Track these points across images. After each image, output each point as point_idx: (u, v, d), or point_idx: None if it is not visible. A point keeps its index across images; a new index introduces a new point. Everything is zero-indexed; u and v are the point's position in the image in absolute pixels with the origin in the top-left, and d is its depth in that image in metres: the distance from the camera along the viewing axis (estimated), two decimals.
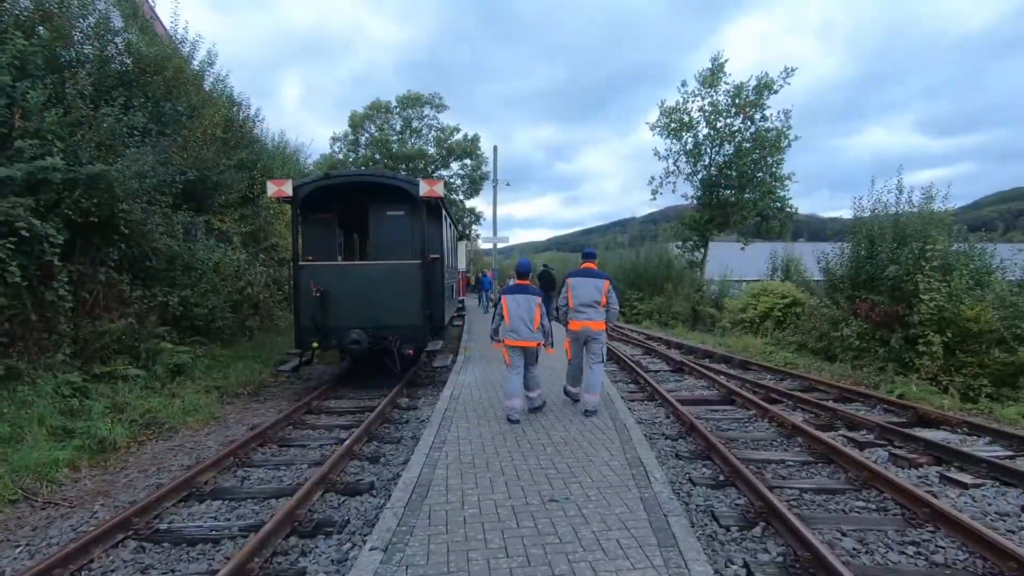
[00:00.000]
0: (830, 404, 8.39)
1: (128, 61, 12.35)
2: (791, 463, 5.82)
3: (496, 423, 6.26)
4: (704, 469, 5.64)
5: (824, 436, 6.45)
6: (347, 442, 6.09)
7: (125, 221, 8.83)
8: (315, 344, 8.82)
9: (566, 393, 7.31)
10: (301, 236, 10.38)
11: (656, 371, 11.69)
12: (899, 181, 12.41)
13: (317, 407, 8.40)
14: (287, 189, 8.66)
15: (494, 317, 6.75)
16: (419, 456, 5.10)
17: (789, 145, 22.79)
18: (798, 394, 9.02)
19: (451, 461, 4.97)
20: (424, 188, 8.75)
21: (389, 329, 8.91)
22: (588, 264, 7.04)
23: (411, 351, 8.85)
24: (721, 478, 5.30)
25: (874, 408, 8.40)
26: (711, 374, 10.73)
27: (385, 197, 9.68)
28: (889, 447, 6.47)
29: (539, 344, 6.48)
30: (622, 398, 8.47)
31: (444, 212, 10.51)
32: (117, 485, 5.52)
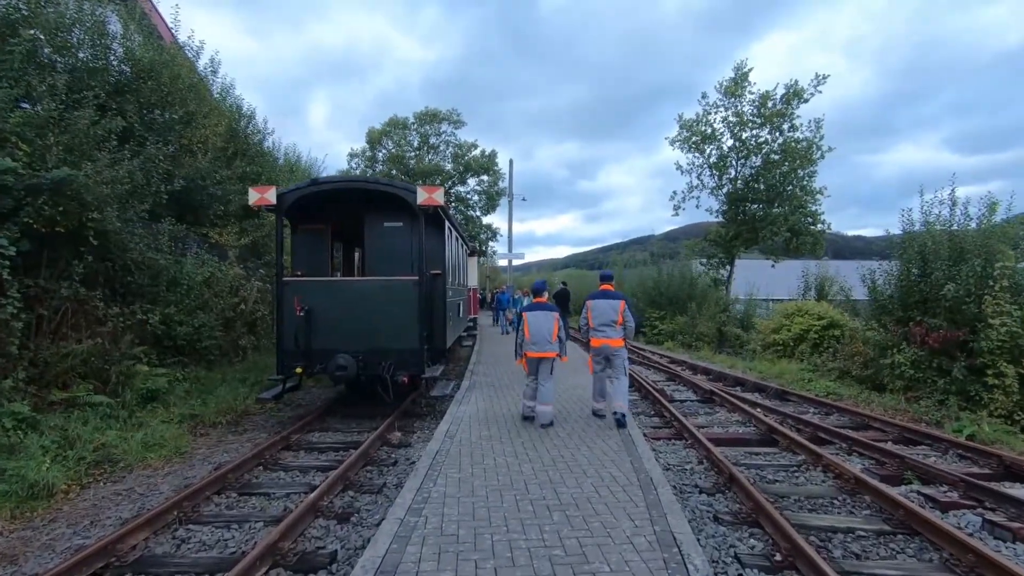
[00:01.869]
0: (891, 447, 7.14)
1: (127, 68, 11.83)
2: (863, 534, 4.62)
3: (495, 472, 5.18)
4: (753, 540, 4.47)
5: (896, 494, 5.24)
6: (314, 494, 5.07)
7: (95, 231, 8.04)
8: (298, 369, 7.88)
9: (594, 413, 7.51)
10: (291, 249, 9.58)
11: (682, 401, 10.49)
12: (952, 191, 11.16)
13: (297, 442, 7.42)
14: (270, 197, 7.81)
15: (517, 335, 7.26)
16: (391, 522, 4.05)
17: (822, 156, 21.49)
18: (850, 433, 7.77)
19: (430, 531, 3.91)
20: (422, 195, 7.82)
21: (381, 353, 7.93)
22: (606, 286, 7.45)
23: (406, 378, 7.85)
24: (777, 557, 4.13)
25: (946, 453, 7.11)
26: (745, 406, 9.51)
27: (382, 207, 8.80)
28: (980, 509, 5.23)
29: (556, 355, 7.01)
30: (645, 436, 7.34)
31: (448, 223, 9.57)
32: (33, 546, 4.56)
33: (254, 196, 7.83)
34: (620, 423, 6.93)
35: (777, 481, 5.98)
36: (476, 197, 47.94)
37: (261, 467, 6.40)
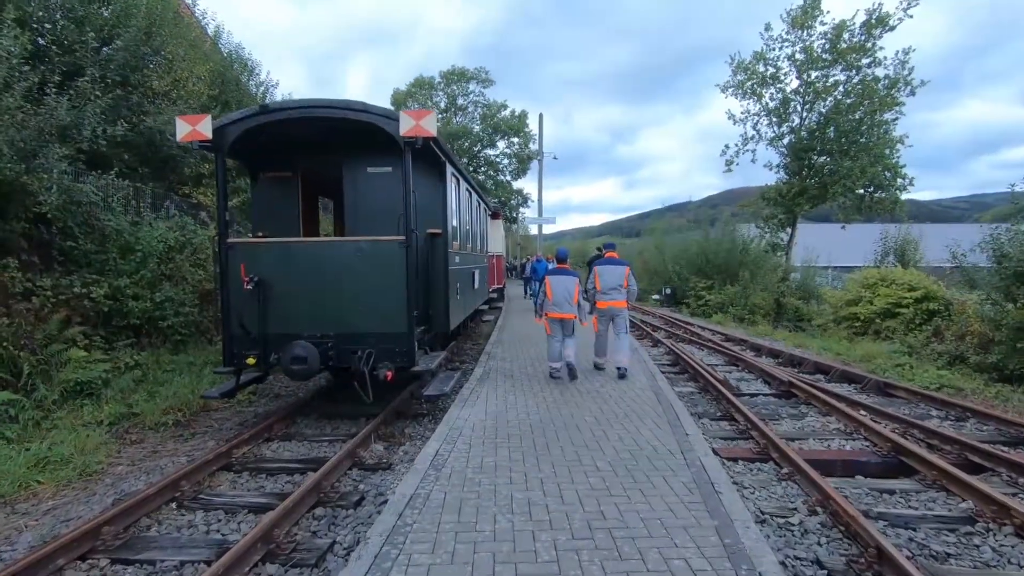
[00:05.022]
0: None
1: None
2: None
3: (489, 559, 3.13)
4: None
5: None
6: None
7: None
8: (250, 359, 5.97)
9: (595, 366, 8.10)
10: (251, 204, 7.65)
11: (753, 395, 8.23)
12: None
13: (244, 457, 5.55)
14: (204, 130, 5.79)
15: (538, 296, 7.82)
16: None
17: (912, 93, 18.01)
18: (1010, 454, 5.40)
19: None
20: (407, 123, 5.65)
21: (356, 339, 5.96)
22: (611, 254, 8.16)
23: (389, 373, 5.85)
24: None
25: None
26: (841, 404, 7.21)
27: (364, 147, 6.72)
28: None
29: (575, 316, 7.37)
30: (716, 454, 5.17)
31: (450, 167, 7.39)
32: None
33: (183, 128, 5.81)
34: (622, 376, 7.65)
35: (951, 556, 3.74)
36: (506, 161, 45.48)
37: (174, 504, 4.53)
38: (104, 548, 3.78)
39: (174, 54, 11.83)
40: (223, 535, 4.05)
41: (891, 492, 4.79)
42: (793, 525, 4.10)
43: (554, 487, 4.00)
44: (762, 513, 4.28)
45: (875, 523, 4.02)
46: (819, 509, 4.31)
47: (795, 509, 4.35)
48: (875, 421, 6.64)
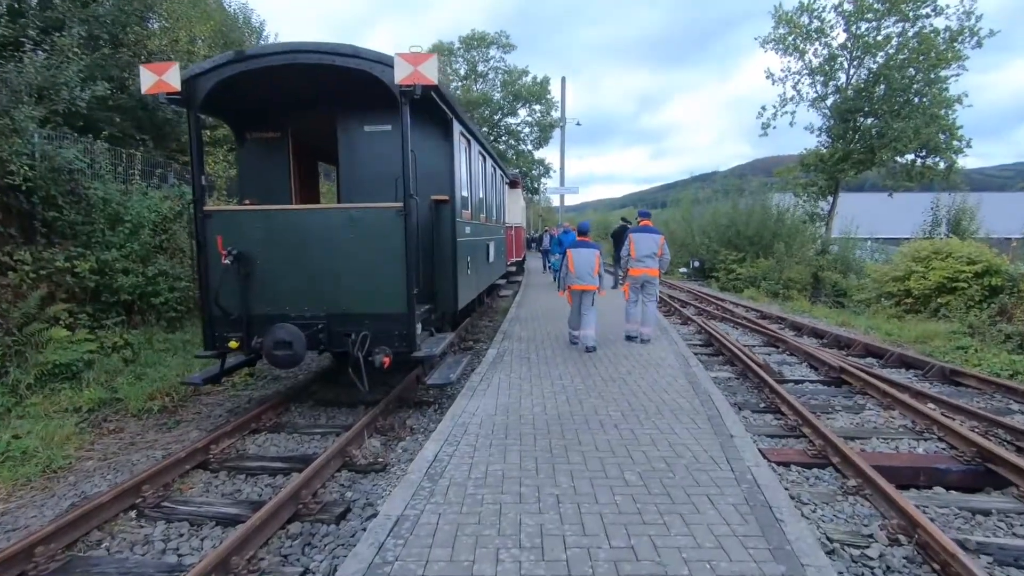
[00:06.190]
0: None
1: None
2: None
3: None
4: None
5: None
6: None
7: None
8: (232, 343, 5.33)
9: (627, 337, 8.04)
10: (238, 168, 6.94)
11: (799, 382, 7.34)
12: None
13: (223, 454, 4.94)
14: (171, 80, 5.02)
15: (561, 269, 8.25)
16: None
17: (980, 44, 16.21)
18: None
19: None
20: (403, 68, 4.78)
21: (350, 320, 5.25)
22: (645, 222, 8.21)
23: (386, 359, 5.14)
24: None
25: None
26: (904, 396, 6.29)
27: (360, 102, 5.94)
28: None
29: (596, 288, 7.46)
30: (764, 457, 4.35)
31: (458, 124, 6.52)
32: None
33: (148, 79, 5.04)
34: (643, 341, 7.93)
35: None
36: (527, 130, 44.05)
37: (134, 512, 3.94)
38: (35, 574, 3.18)
39: (170, 11, 11.07)
40: (180, 556, 3.43)
41: (986, 513, 3.92)
42: (871, 559, 3.30)
43: (573, 509, 3.25)
44: (830, 541, 3.48)
45: (977, 559, 3.20)
46: (902, 538, 3.49)
47: (871, 536, 3.54)
48: (947, 416, 5.73)
